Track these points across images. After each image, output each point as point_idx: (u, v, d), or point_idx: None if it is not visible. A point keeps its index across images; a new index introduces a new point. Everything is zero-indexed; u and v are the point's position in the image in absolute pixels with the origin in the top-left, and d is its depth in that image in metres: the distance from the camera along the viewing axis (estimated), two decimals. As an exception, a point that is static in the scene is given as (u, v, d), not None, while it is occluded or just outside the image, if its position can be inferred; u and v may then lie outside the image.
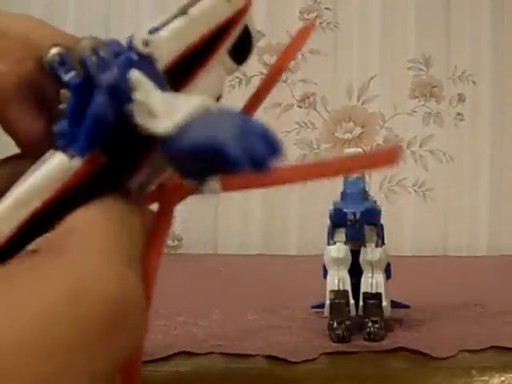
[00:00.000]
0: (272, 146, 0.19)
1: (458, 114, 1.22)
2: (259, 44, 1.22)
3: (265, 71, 1.22)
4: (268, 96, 0.25)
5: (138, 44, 0.23)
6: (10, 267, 0.18)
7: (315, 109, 1.22)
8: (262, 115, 1.21)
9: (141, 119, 0.21)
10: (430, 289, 0.81)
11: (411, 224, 1.21)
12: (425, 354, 0.52)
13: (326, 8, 1.23)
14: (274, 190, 1.21)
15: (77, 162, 0.22)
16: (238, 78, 1.21)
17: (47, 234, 0.20)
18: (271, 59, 1.22)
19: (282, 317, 0.64)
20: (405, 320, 0.62)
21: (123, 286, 0.18)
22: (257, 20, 1.22)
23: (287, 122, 1.22)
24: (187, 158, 0.19)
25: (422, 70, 1.23)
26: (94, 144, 0.22)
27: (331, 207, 0.59)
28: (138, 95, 0.21)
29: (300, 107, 1.22)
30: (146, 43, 0.23)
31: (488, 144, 1.22)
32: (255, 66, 1.22)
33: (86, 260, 0.18)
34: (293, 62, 1.22)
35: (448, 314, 0.65)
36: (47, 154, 0.22)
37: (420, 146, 1.22)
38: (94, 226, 0.20)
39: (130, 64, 0.22)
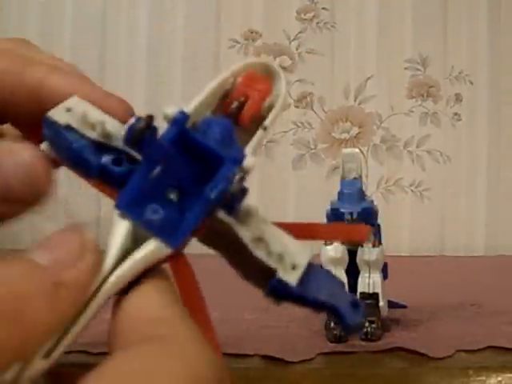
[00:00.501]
0: (360, 312, 0.25)
1: (455, 114, 1.23)
2: (256, 44, 1.22)
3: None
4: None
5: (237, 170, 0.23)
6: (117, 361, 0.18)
7: (312, 109, 1.22)
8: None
9: (263, 255, 0.23)
10: (427, 289, 0.81)
11: (408, 224, 1.21)
12: (422, 354, 0.52)
13: (323, 8, 1.23)
14: (271, 191, 1.21)
15: (169, 251, 0.22)
16: (235, 77, 1.21)
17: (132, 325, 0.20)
18: (269, 59, 1.22)
19: (279, 317, 0.64)
20: (402, 320, 0.62)
21: (223, 370, 0.19)
22: (254, 20, 1.22)
23: (284, 121, 1.22)
24: (301, 302, 0.24)
25: (418, 69, 1.23)
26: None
27: (328, 207, 0.59)
28: (252, 229, 0.24)
29: (297, 107, 1.22)
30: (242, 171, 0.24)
31: (485, 144, 1.22)
32: (252, 66, 1.22)
33: (190, 348, 0.19)
34: (290, 62, 1.23)
35: (445, 314, 0.65)
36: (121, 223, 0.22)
37: (417, 146, 1.22)
38: (172, 313, 0.21)
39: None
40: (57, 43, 1.21)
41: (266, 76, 0.26)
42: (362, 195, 0.59)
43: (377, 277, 0.57)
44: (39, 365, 0.19)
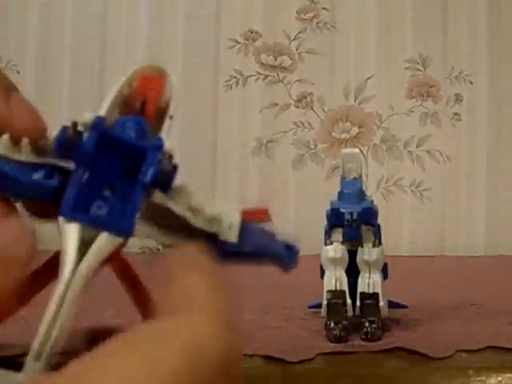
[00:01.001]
0: (295, 251, 0.29)
1: (455, 114, 1.23)
2: (256, 44, 1.22)
3: (262, 71, 1.22)
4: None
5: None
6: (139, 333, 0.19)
7: (312, 109, 1.22)
8: (259, 115, 1.21)
9: (196, 221, 0.26)
10: (427, 289, 0.81)
11: (408, 224, 1.21)
12: (422, 354, 0.52)
13: (323, 8, 1.23)
14: (271, 191, 1.21)
15: (121, 239, 0.24)
16: (235, 78, 1.21)
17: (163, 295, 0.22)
18: (268, 59, 1.22)
19: (279, 317, 0.64)
20: (402, 320, 0.62)
21: (231, 350, 0.19)
22: (254, 20, 1.22)
23: (284, 121, 1.22)
24: (240, 255, 0.27)
25: (419, 69, 1.23)
26: None
27: (328, 207, 0.59)
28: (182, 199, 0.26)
29: (297, 107, 1.22)
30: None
31: (485, 144, 1.22)
32: (252, 66, 1.22)
33: (203, 322, 0.20)
34: (290, 62, 1.23)
35: (445, 314, 0.65)
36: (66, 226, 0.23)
37: (417, 146, 1.22)
38: (202, 288, 0.22)
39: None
40: (57, 43, 1.21)
41: (157, 76, 0.28)
42: (362, 195, 0.59)
43: (377, 277, 0.57)
44: (33, 367, 0.21)
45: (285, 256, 0.28)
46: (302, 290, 0.71)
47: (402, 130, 1.23)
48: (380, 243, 0.58)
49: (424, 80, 1.23)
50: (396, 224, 1.20)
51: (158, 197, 0.25)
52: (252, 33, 1.22)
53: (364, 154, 1.21)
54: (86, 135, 0.24)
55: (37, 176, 0.24)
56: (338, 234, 0.58)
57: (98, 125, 0.24)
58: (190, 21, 1.22)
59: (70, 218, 0.23)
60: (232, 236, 0.26)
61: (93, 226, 0.23)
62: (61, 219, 0.23)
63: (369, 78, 1.22)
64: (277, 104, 1.22)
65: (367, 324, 0.56)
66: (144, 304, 0.27)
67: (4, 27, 1.22)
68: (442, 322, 0.62)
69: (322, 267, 0.59)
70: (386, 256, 0.59)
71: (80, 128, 0.24)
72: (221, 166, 1.20)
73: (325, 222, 0.59)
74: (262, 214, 0.30)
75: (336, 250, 0.58)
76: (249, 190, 1.20)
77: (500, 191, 1.22)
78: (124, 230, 0.24)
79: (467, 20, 1.23)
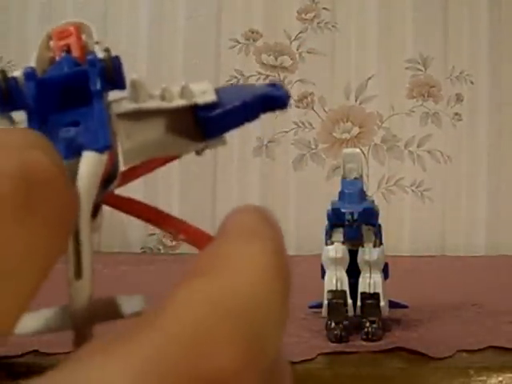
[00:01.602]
0: (281, 86, 0.26)
1: (456, 113, 1.23)
2: (257, 44, 1.22)
3: (262, 71, 1.22)
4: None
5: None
6: None
7: (313, 109, 1.22)
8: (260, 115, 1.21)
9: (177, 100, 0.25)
10: (428, 289, 0.81)
11: (409, 224, 1.21)
12: (423, 354, 0.52)
13: (324, 8, 1.23)
14: (272, 191, 1.21)
15: (105, 156, 0.22)
16: (235, 78, 1.21)
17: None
18: (269, 59, 1.22)
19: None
20: (403, 320, 0.62)
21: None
22: (254, 20, 1.22)
23: (285, 121, 1.22)
24: (226, 115, 0.25)
25: (419, 69, 1.23)
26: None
27: (329, 207, 0.59)
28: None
29: (298, 107, 1.22)
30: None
31: (486, 144, 1.22)
32: (253, 66, 1.22)
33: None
34: (290, 62, 1.23)
35: (446, 314, 0.65)
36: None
37: (418, 146, 1.22)
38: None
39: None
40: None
41: (70, 26, 0.28)
42: (362, 195, 0.59)
43: (378, 277, 0.57)
44: (79, 285, 0.20)
45: (272, 91, 0.26)
46: (302, 290, 0.71)
47: (403, 130, 1.23)
48: (381, 243, 0.58)
49: (425, 80, 1.23)
50: (397, 224, 1.20)
51: (125, 105, 0.24)
52: (253, 33, 1.22)
53: (365, 154, 1.21)
54: (23, 87, 0.23)
55: None
56: (338, 234, 0.58)
57: (30, 73, 0.24)
58: (190, 21, 1.22)
59: None
60: (209, 96, 0.25)
61: (69, 154, 0.22)
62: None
63: (369, 78, 1.22)
64: (277, 104, 1.22)
65: (368, 324, 0.56)
66: (166, 221, 0.26)
67: (5, 27, 1.22)
68: (442, 322, 0.62)
69: (322, 267, 0.59)
70: (386, 256, 0.59)
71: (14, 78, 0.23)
72: (222, 165, 1.20)
73: (325, 222, 0.59)
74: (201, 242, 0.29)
75: (337, 249, 0.58)
76: (249, 190, 1.20)
77: (501, 191, 1.22)
78: (101, 143, 0.22)
79: (468, 20, 1.23)
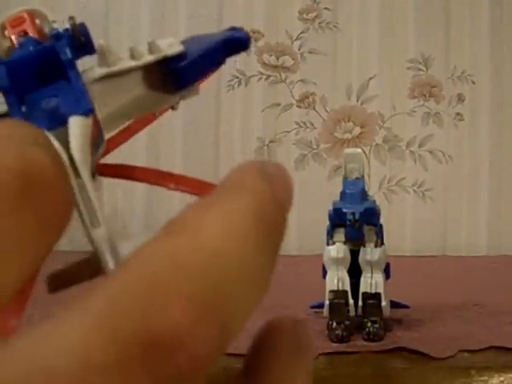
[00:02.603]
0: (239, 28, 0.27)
1: (458, 114, 1.23)
2: (258, 44, 1.22)
3: (264, 71, 1.22)
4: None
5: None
6: None
7: (314, 109, 1.22)
8: (261, 115, 1.21)
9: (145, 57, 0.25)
10: (430, 289, 0.81)
11: (410, 224, 1.21)
12: (424, 354, 0.52)
13: (326, 8, 1.23)
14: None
15: (89, 119, 0.23)
16: (237, 78, 1.21)
17: None
18: (270, 59, 1.22)
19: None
20: (404, 320, 0.62)
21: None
22: (256, 20, 1.22)
23: (286, 121, 1.22)
24: (195, 64, 0.26)
25: (421, 69, 1.23)
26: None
27: (331, 207, 0.59)
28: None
29: (299, 107, 1.22)
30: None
31: (487, 144, 1.22)
32: (254, 66, 1.22)
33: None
34: (292, 62, 1.23)
35: (447, 314, 0.65)
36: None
37: (419, 146, 1.22)
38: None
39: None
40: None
41: (22, 12, 0.29)
42: (364, 195, 0.59)
43: (379, 277, 0.57)
44: (99, 233, 0.21)
45: (233, 34, 0.27)
46: (304, 290, 0.71)
47: (405, 130, 1.23)
48: (382, 243, 0.58)
49: (426, 80, 1.23)
50: (398, 224, 1.20)
51: (96, 71, 0.25)
52: (254, 33, 1.22)
53: (366, 154, 1.21)
54: None
55: None
56: (340, 234, 0.58)
57: None
58: (191, 21, 1.22)
59: None
60: (175, 47, 0.25)
61: (54, 123, 0.23)
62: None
63: (371, 78, 1.22)
64: (279, 104, 1.22)
65: (369, 324, 0.56)
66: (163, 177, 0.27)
67: (6, 27, 1.22)
68: (444, 322, 0.62)
69: (324, 267, 0.59)
70: (388, 256, 0.59)
71: None
72: (223, 165, 1.20)
73: (327, 222, 0.59)
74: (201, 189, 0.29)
75: (338, 249, 0.58)
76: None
77: (502, 191, 1.22)
78: (84, 107, 0.23)
79: (469, 20, 1.23)
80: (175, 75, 0.26)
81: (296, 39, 1.23)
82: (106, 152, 0.26)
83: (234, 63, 1.22)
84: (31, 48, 0.26)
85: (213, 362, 0.15)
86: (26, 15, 0.28)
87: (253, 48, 1.22)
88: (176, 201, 1.12)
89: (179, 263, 0.15)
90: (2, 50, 0.27)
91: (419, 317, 0.63)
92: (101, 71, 0.25)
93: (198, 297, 0.14)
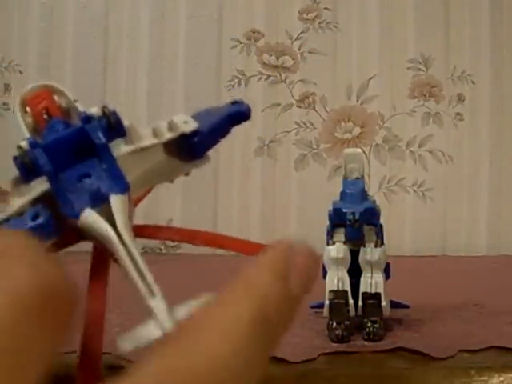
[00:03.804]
0: (241, 100, 0.32)
1: (458, 114, 1.23)
2: (258, 44, 1.22)
3: (264, 71, 1.22)
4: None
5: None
6: None
7: (314, 109, 1.22)
8: (261, 115, 1.21)
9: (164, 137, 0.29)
10: (430, 289, 0.81)
11: (410, 224, 1.21)
12: (424, 354, 0.52)
13: (326, 8, 1.23)
14: (274, 191, 1.21)
15: (125, 195, 0.26)
16: (237, 78, 1.21)
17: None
18: (270, 59, 1.22)
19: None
20: (404, 320, 0.62)
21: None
22: (256, 20, 1.22)
23: (286, 121, 1.22)
24: (207, 137, 0.29)
25: (421, 69, 1.23)
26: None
27: (330, 207, 0.59)
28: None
29: (299, 107, 1.22)
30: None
31: (487, 144, 1.22)
32: (254, 66, 1.22)
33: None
34: (292, 62, 1.23)
35: (447, 314, 0.65)
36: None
37: (419, 146, 1.22)
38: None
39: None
40: (59, 43, 1.21)
41: (40, 89, 0.31)
42: (364, 195, 0.59)
43: (379, 277, 0.57)
44: (156, 304, 0.24)
45: (237, 108, 0.31)
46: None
47: (405, 130, 1.23)
48: (382, 243, 0.58)
49: (426, 80, 1.23)
50: (398, 224, 1.20)
51: (123, 147, 0.28)
52: (254, 33, 1.22)
53: (366, 154, 1.21)
54: (35, 153, 0.26)
55: (29, 224, 0.26)
56: (340, 234, 0.58)
57: (33, 143, 0.27)
58: (192, 21, 1.22)
59: (79, 212, 0.25)
60: (190, 125, 0.29)
61: (97, 202, 0.25)
62: (77, 221, 0.25)
63: (371, 78, 1.22)
64: (279, 104, 1.22)
65: (369, 324, 0.56)
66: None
67: (6, 27, 1.22)
68: (444, 322, 0.62)
69: (324, 267, 0.59)
70: (388, 256, 0.59)
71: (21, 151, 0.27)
72: (223, 165, 1.20)
73: (327, 222, 0.59)
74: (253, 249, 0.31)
75: (338, 249, 0.58)
76: (251, 190, 1.20)
77: (502, 191, 1.22)
78: (122, 185, 0.26)
79: (469, 20, 1.23)
80: (190, 148, 0.29)
81: (296, 39, 1.23)
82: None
83: (234, 63, 1.22)
84: (60, 130, 0.28)
85: None
86: (44, 92, 0.31)
87: (253, 48, 1.22)
88: (177, 209, 1.12)
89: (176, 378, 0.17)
90: (27, 125, 0.30)
91: (419, 317, 0.63)
92: (128, 148, 0.28)
93: None
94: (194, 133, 0.29)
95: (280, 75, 1.23)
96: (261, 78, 1.23)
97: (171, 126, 0.29)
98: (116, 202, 0.25)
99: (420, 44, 1.23)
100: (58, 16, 1.21)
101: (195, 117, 0.29)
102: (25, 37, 1.21)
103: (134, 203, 0.29)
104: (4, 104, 1.20)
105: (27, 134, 0.29)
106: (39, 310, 0.18)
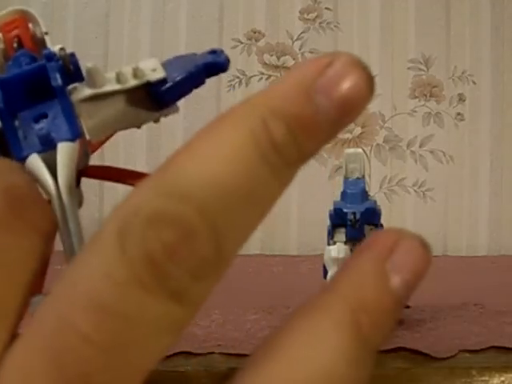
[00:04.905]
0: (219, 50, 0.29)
1: (458, 114, 1.23)
2: (259, 44, 1.22)
3: (264, 71, 1.22)
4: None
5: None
6: None
7: (315, 109, 1.22)
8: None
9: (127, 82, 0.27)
10: (430, 289, 0.81)
11: (411, 224, 1.21)
12: (425, 354, 0.52)
13: (326, 8, 1.23)
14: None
15: (76, 143, 0.25)
16: (237, 77, 1.21)
17: None
18: (271, 59, 1.22)
19: (282, 317, 0.64)
20: (404, 320, 0.62)
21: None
22: (256, 20, 1.22)
23: (287, 121, 1.22)
24: (176, 87, 0.28)
25: (422, 69, 1.23)
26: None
27: (331, 207, 0.59)
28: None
29: (300, 107, 1.22)
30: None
31: (488, 144, 1.22)
32: (255, 66, 1.22)
33: None
34: (293, 62, 1.23)
35: (448, 314, 0.65)
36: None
37: (420, 146, 1.22)
38: None
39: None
40: (59, 43, 1.21)
41: (16, 16, 0.30)
42: (365, 195, 0.59)
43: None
44: None
45: (214, 58, 0.29)
46: (305, 290, 0.71)
47: (405, 130, 1.22)
48: (383, 243, 0.58)
49: (427, 80, 1.23)
50: (399, 224, 1.20)
51: (84, 91, 0.27)
52: (255, 33, 1.22)
53: (367, 154, 1.21)
54: None
55: None
56: (341, 234, 0.58)
57: None
58: (192, 21, 1.22)
59: (25, 155, 0.24)
60: (159, 73, 0.27)
61: (46, 147, 0.24)
62: (22, 164, 0.24)
63: (372, 77, 1.22)
64: (280, 104, 1.22)
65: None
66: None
67: (7, 27, 1.22)
68: (444, 322, 0.62)
69: (325, 267, 0.59)
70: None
71: None
72: (224, 165, 1.19)
73: (328, 222, 0.59)
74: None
75: (339, 250, 0.58)
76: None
77: (503, 191, 1.22)
78: (72, 133, 0.25)
79: (470, 20, 1.23)
80: (157, 97, 0.27)
81: (297, 39, 1.23)
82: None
83: (234, 63, 1.22)
84: (24, 65, 0.27)
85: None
86: (19, 19, 0.29)
87: (253, 48, 1.22)
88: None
89: None
90: None
91: (420, 317, 0.63)
92: (88, 92, 0.27)
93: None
94: (162, 81, 0.27)
95: (281, 75, 1.23)
96: (261, 78, 1.23)
97: (136, 73, 0.27)
98: (62, 149, 0.24)
99: (421, 44, 1.23)
100: (58, 16, 1.21)
101: (166, 64, 0.28)
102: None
103: (93, 148, 0.28)
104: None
105: None
106: (7, 215, 0.18)
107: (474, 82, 1.23)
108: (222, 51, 0.29)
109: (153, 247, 0.15)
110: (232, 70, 1.22)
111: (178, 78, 0.28)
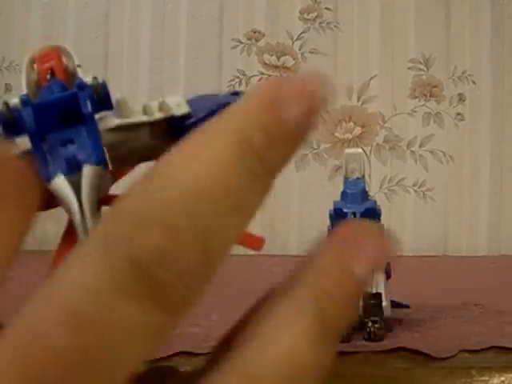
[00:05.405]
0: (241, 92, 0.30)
1: (458, 114, 1.23)
2: (259, 44, 1.22)
3: (264, 71, 1.22)
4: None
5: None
6: None
7: (315, 109, 1.22)
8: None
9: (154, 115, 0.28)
10: (430, 289, 0.81)
11: (411, 224, 1.21)
12: (425, 354, 0.52)
13: (326, 8, 1.23)
14: (274, 191, 1.20)
15: (100, 167, 0.26)
16: (237, 78, 1.21)
17: None
18: (271, 59, 1.22)
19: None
20: (405, 320, 0.62)
21: None
22: (257, 20, 1.22)
23: (287, 121, 1.22)
24: (198, 123, 0.28)
25: (422, 69, 1.23)
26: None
27: (331, 207, 0.59)
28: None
29: (300, 107, 1.22)
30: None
31: (488, 144, 1.22)
32: (255, 66, 1.22)
33: None
34: (293, 62, 1.23)
35: (448, 314, 0.65)
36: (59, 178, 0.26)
37: (420, 146, 1.22)
38: None
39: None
40: (59, 43, 1.21)
41: (50, 49, 0.32)
42: (365, 195, 0.59)
43: (380, 277, 0.57)
44: None
45: (235, 99, 0.30)
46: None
47: (405, 130, 1.23)
48: (383, 243, 0.58)
49: (427, 80, 1.23)
50: (399, 224, 1.20)
51: (111, 120, 0.28)
52: (255, 33, 1.22)
53: (367, 154, 1.21)
54: (23, 112, 0.26)
55: None
56: (340, 234, 0.58)
57: (26, 100, 0.27)
58: (192, 21, 1.22)
59: (52, 176, 0.25)
60: (183, 109, 0.28)
61: (72, 170, 0.26)
62: (49, 185, 0.25)
63: (372, 78, 1.22)
64: (280, 104, 1.22)
65: (370, 324, 0.56)
66: None
67: (7, 27, 1.22)
68: (444, 322, 0.62)
69: (324, 267, 0.59)
70: (388, 256, 0.59)
71: (13, 106, 0.26)
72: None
73: (328, 222, 0.59)
74: (255, 242, 0.30)
75: (339, 249, 0.58)
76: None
77: (503, 191, 1.22)
78: (97, 157, 0.26)
79: (470, 20, 1.23)
80: (180, 132, 0.28)
81: (297, 39, 1.23)
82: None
83: (235, 63, 1.22)
84: (55, 92, 0.28)
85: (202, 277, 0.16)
86: (53, 53, 0.31)
87: (253, 48, 1.22)
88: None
89: None
90: (30, 82, 0.30)
91: (420, 317, 0.63)
92: (115, 122, 0.28)
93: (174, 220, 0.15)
94: (185, 116, 0.28)
95: (281, 75, 1.23)
96: (261, 78, 1.23)
97: (162, 107, 0.29)
98: (87, 172, 0.25)
99: (421, 44, 1.23)
100: (58, 16, 1.21)
101: (190, 101, 0.29)
102: (26, 37, 1.21)
103: (116, 177, 0.29)
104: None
105: (24, 91, 0.29)
106: None
107: (474, 82, 1.23)
108: (243, 92, 0.30)
109: (138, 251, 0.15)
110: (232, 70, 1.22)
111: (201, 115, 0.28)
